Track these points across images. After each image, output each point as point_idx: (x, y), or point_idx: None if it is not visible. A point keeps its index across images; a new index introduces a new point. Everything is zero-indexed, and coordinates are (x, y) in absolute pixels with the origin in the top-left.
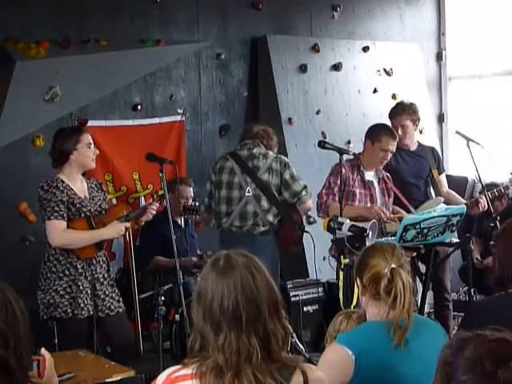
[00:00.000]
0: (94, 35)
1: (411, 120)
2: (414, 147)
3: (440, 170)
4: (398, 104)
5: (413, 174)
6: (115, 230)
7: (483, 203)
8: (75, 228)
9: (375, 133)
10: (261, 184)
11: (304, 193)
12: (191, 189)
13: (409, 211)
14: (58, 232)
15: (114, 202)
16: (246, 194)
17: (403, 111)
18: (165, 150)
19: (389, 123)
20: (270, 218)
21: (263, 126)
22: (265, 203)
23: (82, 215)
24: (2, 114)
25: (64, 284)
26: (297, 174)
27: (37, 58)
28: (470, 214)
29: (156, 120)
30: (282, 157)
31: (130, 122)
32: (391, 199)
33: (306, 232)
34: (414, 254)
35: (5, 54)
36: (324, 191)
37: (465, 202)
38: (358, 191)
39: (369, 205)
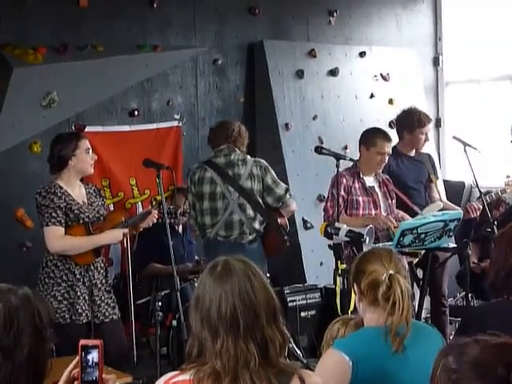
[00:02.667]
0: (91, 41)
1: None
2: (412, 153)
3: (436, 177)
4: (416, 113)
5: (413, 178)
6: (113, 236)
7: (473, 209)
8: (73, 234)
9: (369, 137)
10: (244, 192)
11: (288, 196)
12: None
13: (415, 212)
14: (56, 238)
15: (112, 207)
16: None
17: (428, 120)
18: (162, 155)
19: (386, 129)
20: (257, 225)
21: (238, 127)
22: (250, 211)
23: (81, 221)
24: (0, 120)
25: (62, 290)
26: (276, 176)
27: (34, 63)
28: (465, 219)
29: (153, 125)
30: (261, 160)
31: (127, 128)
32: (394, 201)
33: (289, 236)
34: (416, 260)
35: (2, 60)
36: (329, 204)
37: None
38: (361, 199)
39: (373, 212)
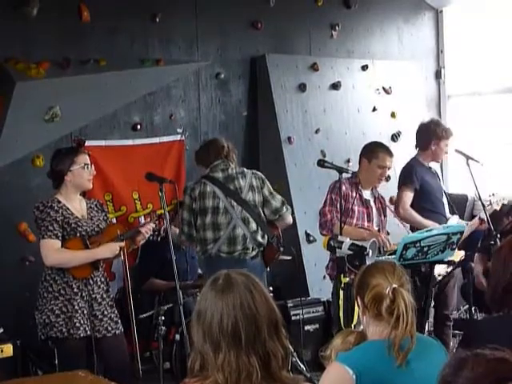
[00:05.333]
0: (93, 55)
1: None
2: (428, 165)
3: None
4: (442, 124)
5: (438, 190)
6: (109, 249)
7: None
8: (69, 248)
9: (371, 150)
10: (247, 205)
11: (285, 209)
12: None
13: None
14: (52, 251)
15: (114, 221)
16: (233, 217)
17: (452, 132)
18: (164, 169)
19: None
20: (259, 238)
21: (227, 143)
22: (253, 225)
23: (78, 235)
24: (2, 134)
25: (59, 304)
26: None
27: (37, 78)
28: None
29: (156, 139)
30: (258, 172)
31: (129, 142)
32: (386, 218)
33: (283, 246)
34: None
35: (5, 74)
36: (327, 208)
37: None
38: (356, 208)
39: (366, 223)
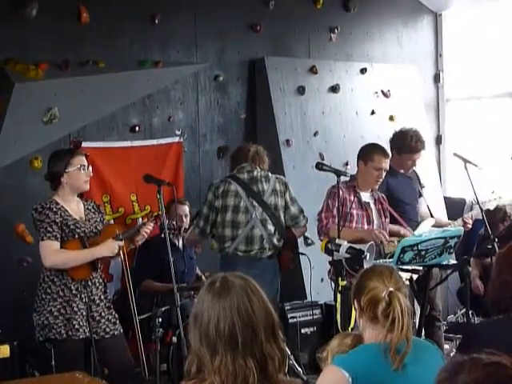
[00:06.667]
0: (92, 57)
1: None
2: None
3: (420, 193)
4: (409, 137)
5: (407, 194)
6: (108, 248)
7: (469, 223)
8: (68, 249)
9: (367, 153)
10: (268, 208)
11: (302, 217)
12: (186, 207)
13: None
14: (51, 252)
15: (112, 223)
16: (253, 217)
17: (422, 147)
18: (163, 171)
19: (385, 146)
20: (276, 241)
21: (255, 148)
22: (271, 227)
23: (76, 236)
24: (1, 136)
25: (58, 305)
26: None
27: (35, 79)
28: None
29: (154, 141)
30: (282, 177)
31: (128, 144)
32: (387, 220)
33: (303, 254)
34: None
35: (4, 75)
36: (323, 214)
37: (449, 222)
38: (355, 212)
39: (366, 226)
